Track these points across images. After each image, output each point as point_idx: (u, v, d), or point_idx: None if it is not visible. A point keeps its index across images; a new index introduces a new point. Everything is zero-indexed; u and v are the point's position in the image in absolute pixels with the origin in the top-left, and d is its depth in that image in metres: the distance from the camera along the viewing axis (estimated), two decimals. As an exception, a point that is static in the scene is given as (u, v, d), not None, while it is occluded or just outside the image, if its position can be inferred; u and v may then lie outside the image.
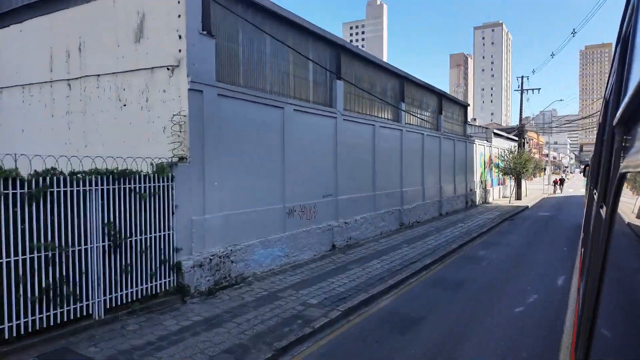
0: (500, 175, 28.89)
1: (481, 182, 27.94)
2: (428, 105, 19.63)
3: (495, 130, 31.52)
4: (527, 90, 31.02)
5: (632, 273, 0.82)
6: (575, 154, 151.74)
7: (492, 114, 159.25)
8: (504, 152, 28.52)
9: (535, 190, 41.30)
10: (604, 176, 1.79)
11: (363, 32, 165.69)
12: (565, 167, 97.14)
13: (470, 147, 25.42)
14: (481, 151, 28.09)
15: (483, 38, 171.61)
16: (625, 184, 1.05)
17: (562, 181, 39.38)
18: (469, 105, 24.95)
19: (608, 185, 1.44)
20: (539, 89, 31.00)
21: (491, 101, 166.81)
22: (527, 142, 38.41)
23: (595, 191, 2.70)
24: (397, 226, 15.71)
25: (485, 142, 30.03)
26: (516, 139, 36.17)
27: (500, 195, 32.97)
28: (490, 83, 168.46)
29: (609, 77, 2.94)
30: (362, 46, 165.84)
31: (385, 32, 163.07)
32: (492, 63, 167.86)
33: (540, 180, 52.82)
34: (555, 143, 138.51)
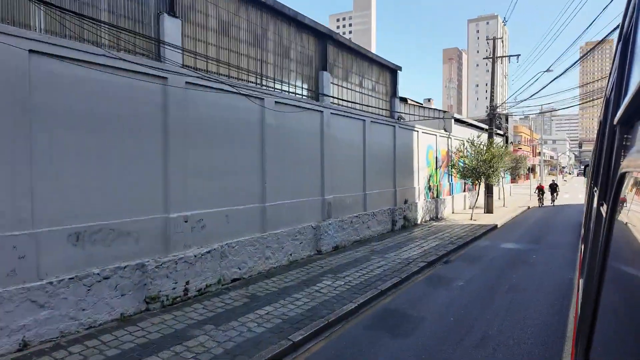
0: (466, 178, 19.79)
1: (429, 188, 18.94)
2: (285, 48, 10.64)
3: (458, 116, 22.47)
4: (501, 57, 22.05)
5: (632, 271, 0.81)
6: (575, 154, 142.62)
7: (487, 111, 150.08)
8: (462, 144, 19.49)
9: (523, 196, 32.26)
10: (604, 174, 1.82)
11: (350, 25, 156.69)
12: (563, 167, 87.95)
13: (406, 135, 16.40)
14: (430, 143, 19.08)
15: (477, 31, 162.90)
16: (626, 183, 1.05)
17: (553, 187, 26.31)
18: (400, 69, 15.96)
19: (608, 184, 1.47)
20: (518, 55, 22.07)
21: (486, 98, 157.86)
22: (505, 133, 29.18)
23: (595, 189, 2.67)
24: (137, 307, 6.67)
25: (443, 131, 21.02)
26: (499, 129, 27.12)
27: (467, 205, 23.95)
28: (485, 79, 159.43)
29: (609, 75, 2.73)
30: (350, 39, 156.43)
31: (373, 25, 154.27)
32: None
33: (534, 183, 43.83)
34: (554, 142, 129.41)
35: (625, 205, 1.00)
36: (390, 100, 15.77)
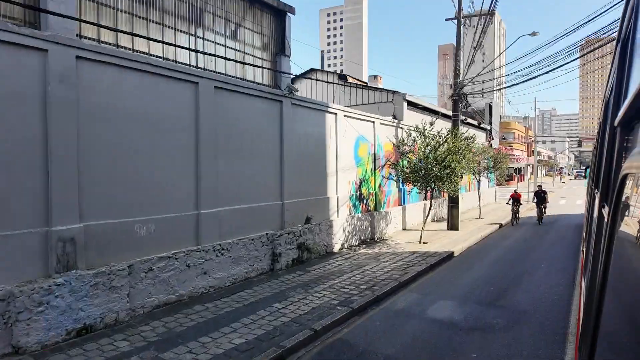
0: (412, 184, 13.81)
1: (361, 198, 13.14)
2: None
3: (413, 98, 16.59)
4: (467, 17, 16.32)
5: (634, 272, 0.80)
6: (575, 154, 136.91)
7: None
8: (409, 134, 13.65)
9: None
10: (606, 176, 1.80)
11: (342, 20, 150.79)
12: (561, 167, 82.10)
13: (310, 118, 10.59)
14: (364, 134, 13.28)
15: (474, 26, 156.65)
16: (628, 184, 1.05)
17: (540, 196, 17.87)
18: (291, 11, 10.05)
19: (610, 186, 1.48)
20: (491, 14, 16.33)
21: (482, 96, 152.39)
22: (480, 123, 23.19)
23: (596, 191, 2.65)
24: None
25: (390, 119, 15.24)
26: (477, 121, 21.20)
27: (431, 216, 18.14)
28: (482, 77, 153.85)
29: (608, 76, 2.77)
30: (340, 34, 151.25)
31: (365, 20, 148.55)
32: (483, 54, 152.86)
33: (527, 185, 37.97)
34: (553, 141, 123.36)
35: (627, 207, 1.00)
36: (275, 60, 9.89)
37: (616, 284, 1.03)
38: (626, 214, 1.00)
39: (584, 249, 3.79)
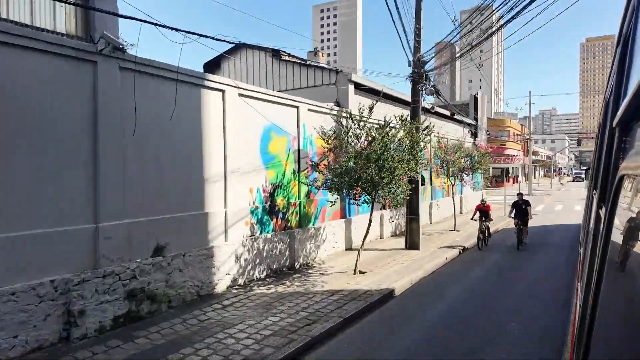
0: (343, 191, 10.03)
1: (273, 211, 9.42)
2: None
3: (360, 79, 12.82)
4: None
5: (631, 274, 0.81)
6: (575, 154, 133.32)
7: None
8: (339, 122, 10.02)
9: (497, 209, 22.60)
10: (604, 177, 1.81)
11: (335, 16, 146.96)
12: (560, 168, 78.34)
13: (165, 94, 6.86)
14: (279, 123, 9.57)
15: (471, 24, 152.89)
16: (625, 185, 1.05)
17: (521, 208, 12.43)
18: None
19: (607, 186, 1.48)
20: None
21: (477, 94, 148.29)
22: (455, 115, 19.20)
23: (594, 191, 2.66)
24: None
25: (327, 106, 11.54)
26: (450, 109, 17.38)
27: (391, 230, 14.51)
28: (479, 74, 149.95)
29: (609, 78, 2.75)
30: (334, 31, 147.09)
31: (359, 16, 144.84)
32: (480, 52, 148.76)
33: (519, 189, 34.24)
34: (552, 142, 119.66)
35: (624, 207, 0.99)
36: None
37: (612, 285, 1.02)
38: (623, 215, 0.98)
39: (582, 250, 3.55)
